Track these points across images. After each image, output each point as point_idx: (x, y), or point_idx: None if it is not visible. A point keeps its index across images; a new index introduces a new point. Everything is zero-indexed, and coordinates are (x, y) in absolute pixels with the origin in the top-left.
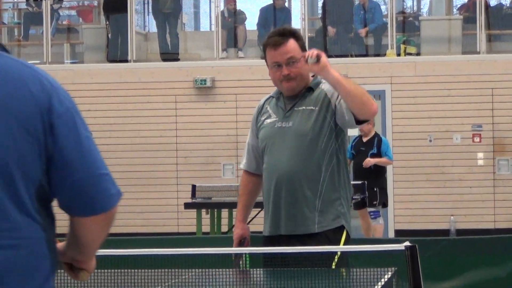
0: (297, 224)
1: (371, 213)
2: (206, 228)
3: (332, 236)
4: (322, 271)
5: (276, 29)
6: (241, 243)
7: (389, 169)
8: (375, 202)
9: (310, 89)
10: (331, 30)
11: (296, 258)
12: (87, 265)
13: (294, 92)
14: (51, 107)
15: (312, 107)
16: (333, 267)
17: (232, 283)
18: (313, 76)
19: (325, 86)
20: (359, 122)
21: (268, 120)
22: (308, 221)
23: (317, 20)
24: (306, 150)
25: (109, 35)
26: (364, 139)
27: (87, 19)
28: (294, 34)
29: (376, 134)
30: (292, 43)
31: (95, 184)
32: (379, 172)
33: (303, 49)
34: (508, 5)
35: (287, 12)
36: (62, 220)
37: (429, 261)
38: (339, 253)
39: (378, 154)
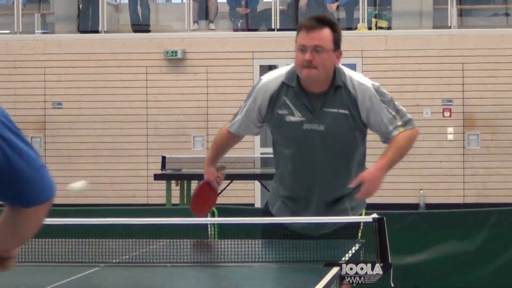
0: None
1: None
2: (175, 199)
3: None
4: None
5: (316, 14)
6: (202, 190)
7: None
8: None
9: (337, 87)
10: (302, 2)
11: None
12: (14, 253)
13: (312, 82)
14: None
15: (344, 111)
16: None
17: (201, 253)
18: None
19: (354, 87)
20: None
21: (292, 118)
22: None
23: None
24: (339, 159)
25: (80, 6)
26: None
27: None
28: (332, 25)
29: None
30: (326, 32)
31: (39, 175)
32: None
33: (337, 43)
34: None
35: None
36: None
37: (398, 234)
38: (362, 225)
39: None
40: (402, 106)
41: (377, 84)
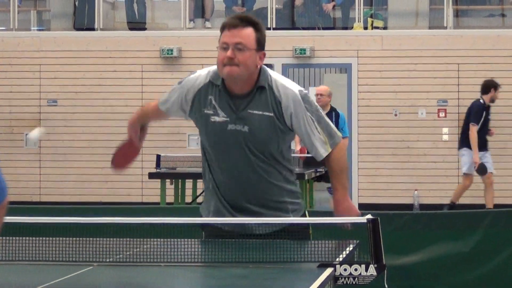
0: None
1: (329, 188)
2: (170, 198)
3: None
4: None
5: (240, 14)
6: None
7: (354, 143)
8: None
9: (261, 88)
10: (298, 2)
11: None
12: None
13: (234, 81)
14: None
15: (269, 113)
16: (311, 238)
17: (194, 252)
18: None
19: (278, 90)
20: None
21: (217, 118)
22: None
23: None
24: (265, 158)
25: (76, 3)
26: None
27: None
28: (256, 25)
29: (332, 108)
30: (249, 31)
31: None
32: None
33: (260, 43)
34: None
35: None
36: None
37: (392, 235)
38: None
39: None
40: (327, 118)
41: (305, 91)
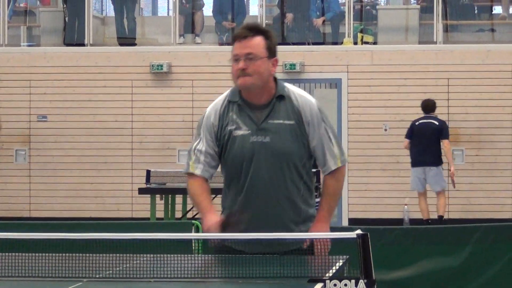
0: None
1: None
2: (160, 213)
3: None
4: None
5: (248, 23)
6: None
7: None
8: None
9: (280, 97)
10: (288, 17)
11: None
12: None
13: (250, 92)
14: None
15: (290, 121)
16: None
17: (184, 268)
18: (274, 79)
19: (297, 99)
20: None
21: (239, 132)
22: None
23: (275, 7)
24: (286, 170)
25: (66, 19)
26: None
27: (44, 2)
28: (265, 33)
29: None
30: (258, 40)
31: None
32: None
33: (271, 50)
34: None
35: None
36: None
37: (382, 249)
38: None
39: None
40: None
41: (320, 104)
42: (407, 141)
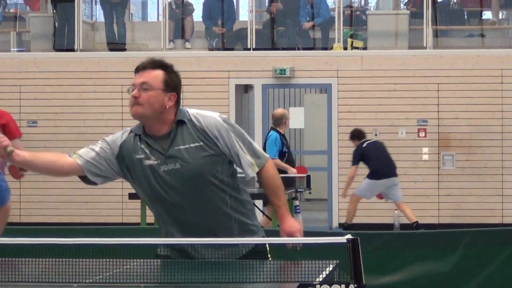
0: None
1: (297, 207)
2: (150, 219)
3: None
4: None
5: (153, 58)
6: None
7: (334, 163)
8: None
9: (181, 122)
10: (275, 6)
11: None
12: None
13: (140, 119)
14: None
15: (195, 144)
16: (270, 258)
17: (174, 273)
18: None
19: (199, 120)
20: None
21: (149, 162)
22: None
23: (265, 12)
24: (205, 189)
25: (56, 24)
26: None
27: (34, 7)
28: (166, 68)
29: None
30: (156, 73)
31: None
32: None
33: (169, 85)
34: (455, 0)
35: (230, 3)
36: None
37: (372, 254)
38: (268, 245)
39: None
40: (251, 140)
41: (224, 116)
42: (354, 168)
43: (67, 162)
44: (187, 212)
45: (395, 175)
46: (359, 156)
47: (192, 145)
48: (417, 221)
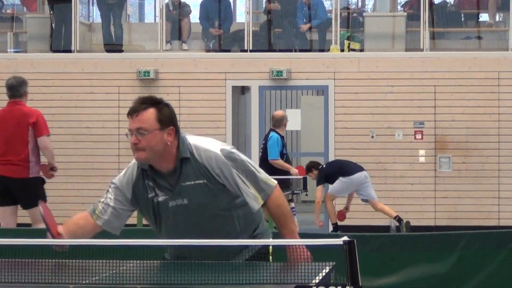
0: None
1: (293, 209)
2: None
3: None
4: (262, 264)
5: (141, 97)
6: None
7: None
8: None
9: (185, 159)
10: (273, 6)
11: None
12: None
13: (146, 163)
14: None
15: (200, 181)
16: (271, 261)
17: (171, 274)
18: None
19: (200, 156)
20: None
21: (159, 199)
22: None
23: (262, 14)
24: (213, 220)
25: (53, 25)
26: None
27: (31, 8)
28: (156, 104)
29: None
30: (148, 113)
31: None
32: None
33: (163, 121)
34: (452, 2)
35: (227, 4)
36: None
37: (369, 256)
38: (271, 248)
39: None
40: (256, 168)
41: (228, 149)
42: (321, 187)
43: (90, 226)
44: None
45: (364, 169)
46: (325, 177)
47: (196, 181)
48: (398, 215)
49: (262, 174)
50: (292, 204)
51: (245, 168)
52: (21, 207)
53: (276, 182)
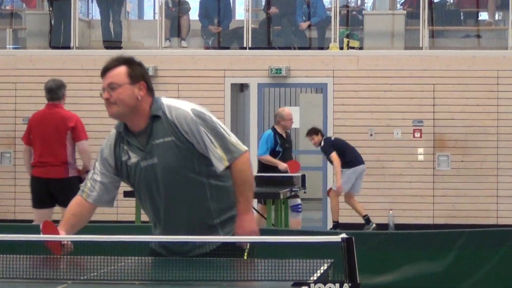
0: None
1: (299, 206)
2: (145, 217)
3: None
4: (236, 261)
5: (112, 56)
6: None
7: (329, 163)
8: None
9: (155, 117)
10: (273, 10)
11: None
12: None
13: (118, 119)
14: None
15: (168, 138)
16: (245, 257)
17: (169, 270)
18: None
19: (171, 113)
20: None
21: (131, 161)
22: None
23: (261, 11)
24: (184, 182)
25: (52, 22)
26: (283, 135)
27: (30, 5)
28: (127, 61)
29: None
30: (119, 70)
31: None
32: None
33: (133, 76)
34: (451, 1)
35: (226, 2)
36: None
37: (367, 254)
38: (248, 244)
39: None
40: (227, 131)
41: (198, 108)
42: (335, 154)
43: (85, 210)
44: (168, 206)
45: (364, 162)
46: (333, 147)
47: (166, 139)
48: (367, 215)
49: (232, 137)
50: (299, 200)
51: (214, 128)
52: (61, 206)
53: (247, 148)
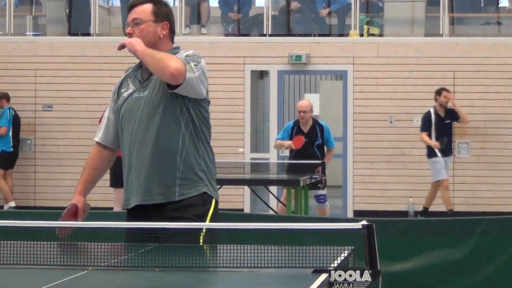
0: (157, 193)
1: (322, 197)
2: None
3: (201, 207)
4: (192, 247)
5: None
6: (69, 213)
7: (349, 150)
8: (320, 185)
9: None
10: (294, 5)
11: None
12: None
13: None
14: None
15: None
16: (201, 242)
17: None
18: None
19: (180, 53)
20: (170, 87)
21: (127, 92)
22: (168, 189)
23: None
24: (159, 119)
25: (72, 8)
26: (304, 129)
27: None
28: (155, 1)
29: (315, 121)
30: (145, 7)
31: None
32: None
33: (158, 15)
34: None
35: None
36: None
37: (387, 241)
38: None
39: (323, 143)
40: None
41: (197, 55)
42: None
43: (104, 156)
44: (140, 139)
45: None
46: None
47: None
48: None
49: (197, 74)
50: (325, 191)
51: (195, 60)
52: None
53: (196, 75)
